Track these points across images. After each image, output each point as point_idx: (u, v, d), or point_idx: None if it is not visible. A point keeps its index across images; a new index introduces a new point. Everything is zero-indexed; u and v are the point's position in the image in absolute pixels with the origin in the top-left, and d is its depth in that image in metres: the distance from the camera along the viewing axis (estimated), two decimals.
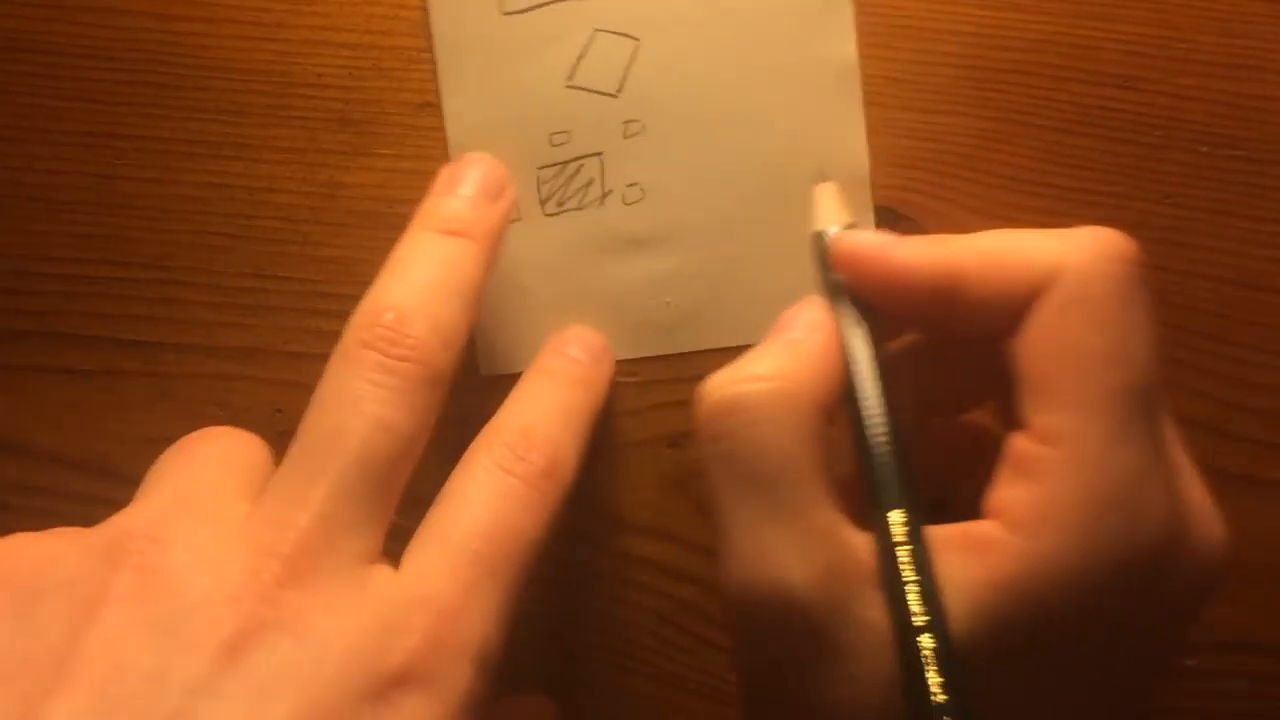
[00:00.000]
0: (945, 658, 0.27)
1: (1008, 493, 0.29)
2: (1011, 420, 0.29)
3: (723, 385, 0.29)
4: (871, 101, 0.36)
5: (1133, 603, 0.28)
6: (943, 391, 0.34)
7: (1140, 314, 0.29)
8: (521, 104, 0.36)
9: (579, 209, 0.37)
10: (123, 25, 0.37)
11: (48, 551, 0.29)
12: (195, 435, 0.32)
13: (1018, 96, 0.36)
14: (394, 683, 0.28)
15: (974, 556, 0.28)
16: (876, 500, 0.29)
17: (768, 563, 0.28)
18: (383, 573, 0.30)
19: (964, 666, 0.27)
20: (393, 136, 0.37)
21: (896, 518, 0.28)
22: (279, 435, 0.37)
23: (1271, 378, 0.37)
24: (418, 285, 0.32)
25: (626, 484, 0.38)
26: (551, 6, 0.36)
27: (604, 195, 0.37)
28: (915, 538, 0.28)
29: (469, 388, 0.37)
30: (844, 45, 0.36)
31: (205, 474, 0.31)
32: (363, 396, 0.30)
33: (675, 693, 0.38)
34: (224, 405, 0.38)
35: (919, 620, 0.27)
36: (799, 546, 0.28)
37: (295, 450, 0.30)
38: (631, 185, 0.37)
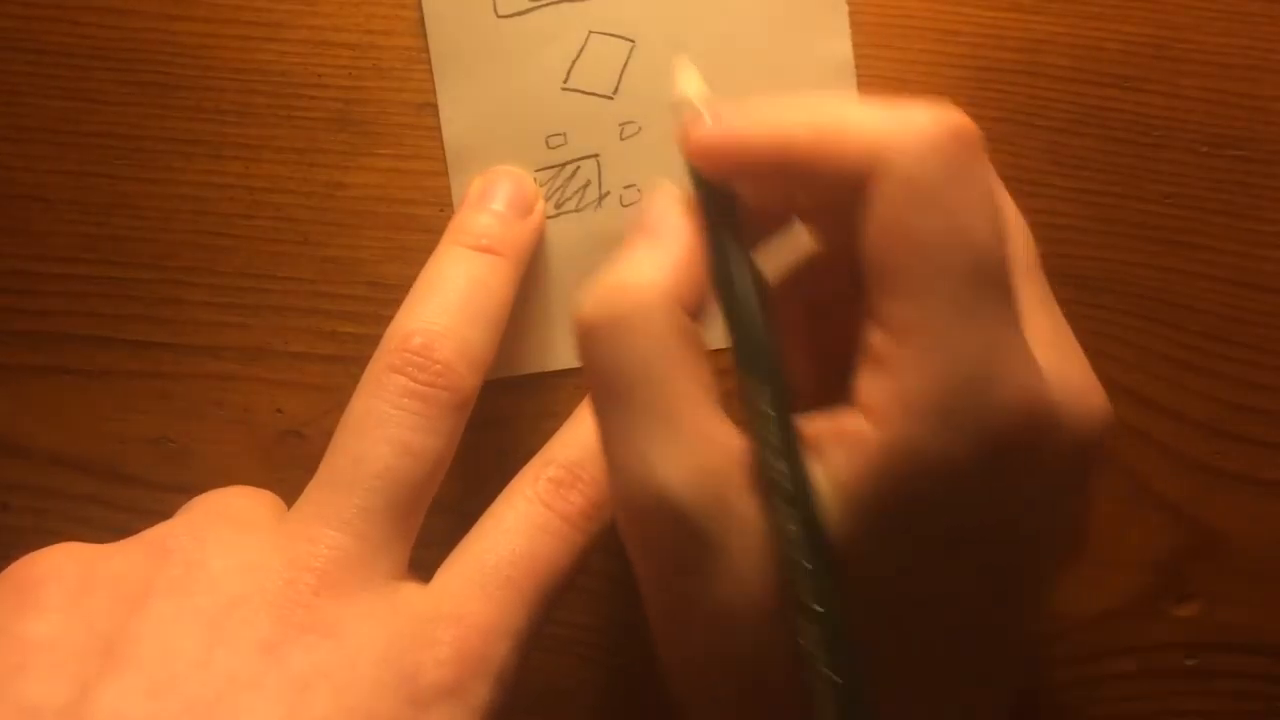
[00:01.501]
0: (814, 542, 0.26)
1: (867, 385, 0.28)
2: (868, 310, 0.28)
3: (591, 303, 0.29)
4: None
5: (1003, 482, 0.27)
6: (821, 290, 0.33)
7: (975, 192, 0.28)
8: (518, 106, 0.36)
9: (577, 211, 0.37)
10: (123, 25, 0.37)
11: (93, 553, 0.30)
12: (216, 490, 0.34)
13: (1018, 96, 0.36)
14: (424, 691, 0.29)
15: (842, 447, 0.27)
16: (744, 376, 0.28)
17: (645, 467, 0.27)
18: (412, 588, 0.31)
19: (839, 557, 0.26)
20: (393, 136, 0.37)
21: (764, 391, 0.28)
22: (279, 435, 0.38)
23: (1272, 378, 0.37)
24: (446, 307, 0.33)
25: None
26: (546, 9, 0.36)
27: (601, 197, 0.37)
28: (783, 412, 0.28)
29: None
30: (839, 44, 0.36)
31: (235, 496, 0.33)
32: (389, 421, 0.31)
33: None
34: (224, 405, 0.38)
35: (788, 502, 0.27)
36: (672, 449, 0.27)
37: (324, 471, 0.31)
38: (629, 187, 0.37)
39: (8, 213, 0.38)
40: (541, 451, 0.34)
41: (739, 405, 0.28)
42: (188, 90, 0.37)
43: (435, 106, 0.37)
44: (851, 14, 0.36)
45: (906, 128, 0.28)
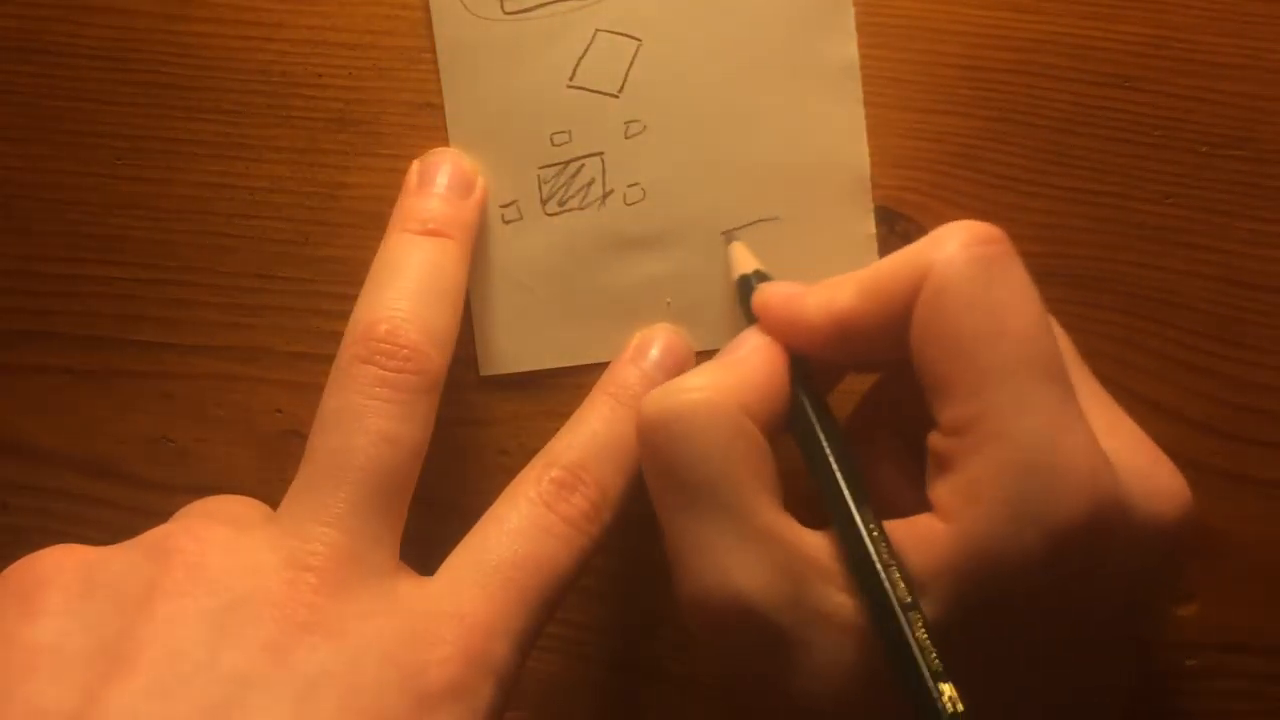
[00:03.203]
0: (929, 638, 0.28)
1: (935, 488, 0.29)
2: (931, 422, 0.30)
3: (656, 399, 0.30)
4: (871, 101, 0.36)
5: (1077, 571, 0.28)
6: (891, 409, 0.35)
7: (1009, 291, 0.29)
8: (523, 104, 0.36)
9: (580, 209, 0.37)
10: (123, 25, 0.37)
11: (93, 555, 0.30)
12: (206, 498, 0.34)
13: (1018, 96, 0.36)
14: (429, 690, 0.29)
15: (916, 548, 0.28)
16: (837, 499, 0.30)
17: (717, 570, 0.29)
18: (411, 585, 0.31)
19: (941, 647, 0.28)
20: (393, 136, 0.37)
21: (865, 512, 0.29)
22: (279, 435, 0.38)
23: (1271, 378, 0.37)
24: (405, 292, 0.33)
25: None
26: (553, 6, 0.36)
27: (605, 195, 0.37)
28: (880, 530, 0.29)
29: (469, 387, 0.37)
30: (844, 45, 0.36)
31: (227, 500, 0.33)
32: (365, 412, 0.31)
33: (675, 693, 0.38)
34: (224, 405, 0.38)
35: (904, 602, 0.28)
36: (745, 550, 0.29)
37: (307, 469, 0.31)
38: (632, 185, 0.37)
39: (8, 213, 0.38)
40: (543, 452, 0.34)
41: (822, 511, 0.30)
42: (188, 90, 0.37)
43: (435, 106, 0.37)
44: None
45: (937, 244, 0.30)
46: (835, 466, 0.30)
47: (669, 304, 0.37)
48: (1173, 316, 0.37)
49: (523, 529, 0.32)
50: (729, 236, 0.37)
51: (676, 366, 0.36)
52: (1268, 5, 0.36)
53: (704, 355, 0.37)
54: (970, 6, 0.36)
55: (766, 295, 0.33)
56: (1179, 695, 0.38)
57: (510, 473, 0.33)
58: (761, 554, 0.29)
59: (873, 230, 0.37)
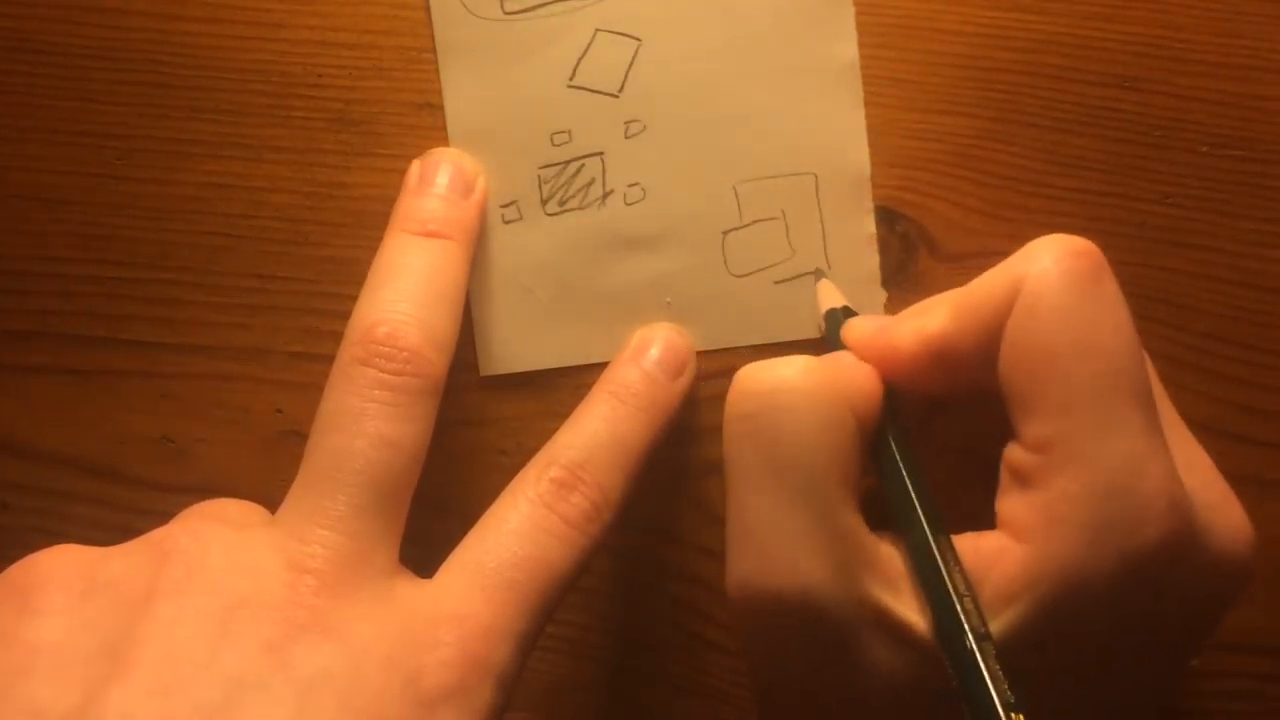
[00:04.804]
0: (998, 663, 0.27)
1: (1010, 504, 0.29)
2: (1011, 435, 0.30)
3: (761, 369, 0.30)
4: (872, 101, 0.36)
5: (1147, 598, 0.28)
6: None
7: (1103, 306, 0.29)
8: (523, 103, 0.36)
9: (580, 208, 0.37)
10: (123, 25, 0.37)
11: (94, 555, 0.30)
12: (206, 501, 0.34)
13: (1019, 96, 0.36)
14: (429, 692, 0.29)
15: (989, 569, 0.28)
16: (916, 528, 0.29)
17: (786, 556, 0.28)
18: (411, 586, 0.31)
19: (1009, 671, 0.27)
20: (393, 136, 0.37)
21: (942, 542, 0.29)
22: (279, 435, 0.38)
23: (1272, 378, 0.37)
24: (405, 294, 0.33)
25: None
26: (553, 6, 0.36)
27: (605, 195, 0.37)
28: (956, 560, 0.29)
29: (469, 387, 0.37)
30: (845, 45, 0.36)
31: (226, 503, 0.32)
32: (364, 415, 0.31)
33: (675, 693, 0.38)
34: (224, 405, 0.38)
35: (978, 633, 0.27)
36: (819, 543, 0.28)
37: (307, 471, 0.31)
38: (633, 185, 0.37)
39: (7, 213, 0.37)
40: (543, 451, 0.34)
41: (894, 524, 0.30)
42: (187, 90, 0.37)
43: (435, 106, 0.37)
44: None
45: (1031, 258, 0.29)
46: (915, 497, 0.30)
47: (669, 304, 0.37)
48: (1173, 316, 0.37)
49: (523, 530, 0.32)
50: (817, 275, 0.36)
51: (677, 366, 0.36)
52: (1268, 5, 0.36)
53: (704, 355, 0.37)
54: (971, 6, 0.36)
55: (857, 328, 0.33)
56: (1179, 695, 0.38)
57: (510, 473, 0.33)
58: (834, 551, 0.28)
59: (873, 230, 0.37)
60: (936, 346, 0.31)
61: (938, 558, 0.29)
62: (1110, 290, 0.29)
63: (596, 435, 0.33)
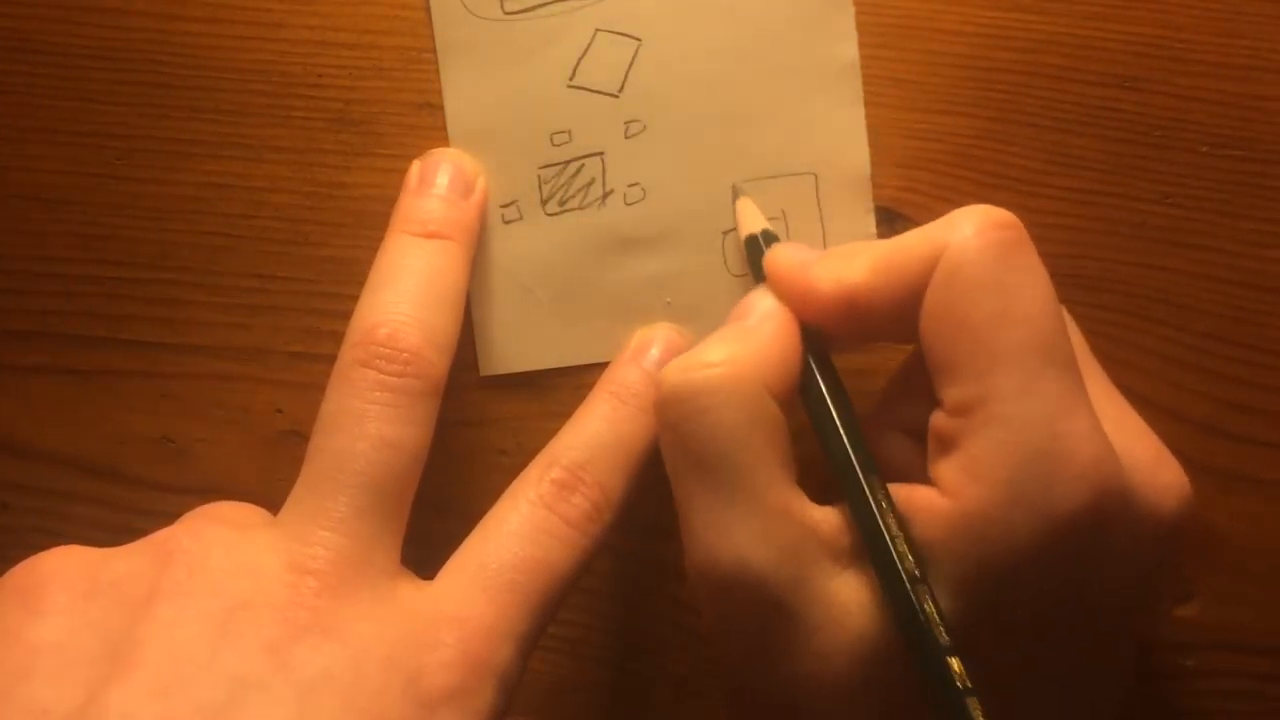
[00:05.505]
0: (937, 609, 0.28)
1: (936, 467, 0.29)
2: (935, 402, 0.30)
3: (676, 372, 0.30)
4: (872, 101, 0.36)
5: (1076, 559, 0.28)
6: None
7: (1022, 276, 0.29)
8: (523, 103, 0.36)
9: (580, 209, 0.37)
10: (123, 25, 0.37)
11: (96, 556, 0.30)
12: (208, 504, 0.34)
13: (1019, 96, 0.36)
14: (430, 693, 0.29)
15: (917, 516, 0.29)
16: (845, 466, 0.30)
17: (728, 544, 0.29)
18: (412, 587, 0.31)
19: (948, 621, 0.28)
20: (393, 136, 0.37)
21: (871, 481, 0.29)
22: (279, 435, 0.38)
23: (1272, 378, 0.37)
24: (406, 295, 0.33)
25: None
26: (553, 6, 0.36)
27: (605, 195, 0.37)
28: (888, 498, 0.29)
29: (469, 387, 0.37)
30: (845, 45, 0.36)
31: (228, 506, 0.32)
32: (365, 416, 0.31)
33: (676, 693, 0.38)
34: (224, 405, 0.38)
35: (911, 574, 0.28)
36: (757, 526, 0.29)
37: (308, 473, 0.31)
38: (633, 185, 0.37)
39: (7, 213, 0.37)
40: (544, 452, 0.34)
41: (831, 484, 0.30)
42: (187, 90, 0.37)
43: (435, 106, 0.37)
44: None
45: (952, 227, 0.30)
46: (844, 434, 0.31)
47: (669, 304, 0.37)
48: (1173, 316, 0.37)
49: (523, 530, 0.32)
50: (736, 190, 0.36)
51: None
52: (1268, 5, 0.36)
53: None
54: (971, 6, 0.36)
55: (777, 261, 0.33)
56: (1179, 695, 0.38)
57: (510, 473, 0.33)
58: (772, 531, 0.29)
59: (873, 230, 0.37)
60: (852, 297, 0.31)
61: (866, 494, 0.29)
62: (1030, 261, 0.29)
63: (597, 436, 0.34)
